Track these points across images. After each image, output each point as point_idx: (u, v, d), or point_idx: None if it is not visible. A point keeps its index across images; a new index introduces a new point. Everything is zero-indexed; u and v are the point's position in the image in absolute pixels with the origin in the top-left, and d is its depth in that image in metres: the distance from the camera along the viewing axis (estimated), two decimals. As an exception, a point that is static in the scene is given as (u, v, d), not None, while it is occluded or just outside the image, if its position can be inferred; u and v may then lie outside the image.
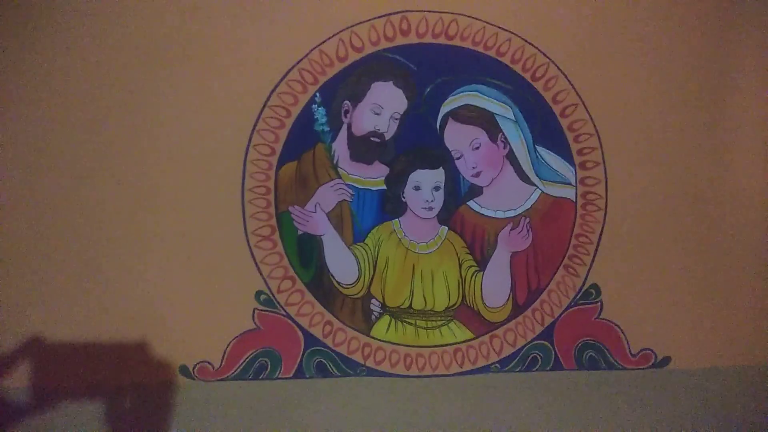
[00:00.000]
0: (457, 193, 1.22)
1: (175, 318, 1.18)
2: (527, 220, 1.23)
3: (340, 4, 1.18)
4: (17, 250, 1.16)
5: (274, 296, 1.20)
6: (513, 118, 1.21)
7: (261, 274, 1.20)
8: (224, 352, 1.19)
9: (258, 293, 1.20)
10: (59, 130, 1.15)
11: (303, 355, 1.21)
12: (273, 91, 1.17)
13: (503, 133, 1.21)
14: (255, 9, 1.17)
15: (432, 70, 1.20)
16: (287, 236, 1.20)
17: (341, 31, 1.18)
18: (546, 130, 1.22)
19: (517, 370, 1.25)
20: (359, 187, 1.21)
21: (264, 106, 1.17)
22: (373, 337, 1.23)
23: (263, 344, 1.20)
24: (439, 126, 1.21)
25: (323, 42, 1.17)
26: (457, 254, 1.24)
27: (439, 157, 1.21)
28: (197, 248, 1.18)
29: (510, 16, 1.20)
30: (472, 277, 1.24)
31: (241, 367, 1.20)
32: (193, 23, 1.17)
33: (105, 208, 1.17)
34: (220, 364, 1.19)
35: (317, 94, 1.18)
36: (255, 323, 1.20)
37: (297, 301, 1.21)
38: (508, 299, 1.24)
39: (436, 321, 1.24)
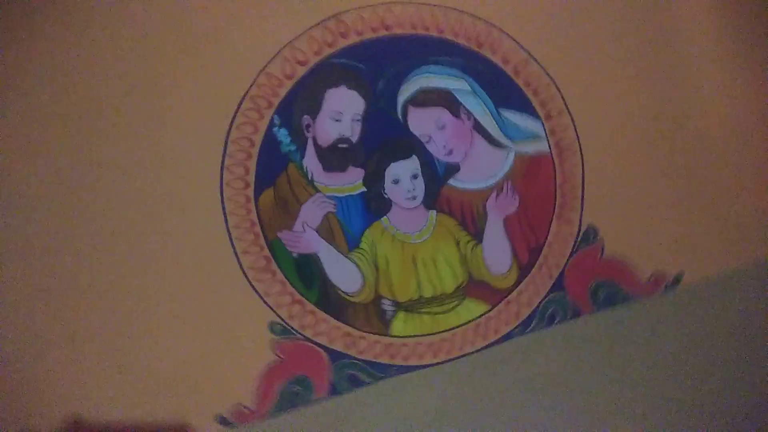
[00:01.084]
0: (436, 176, 1.23)
1: (196, 371, 1.18)
2: (509, 182, 1.24)
3: (273, 23, 1.18)
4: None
5: (287, 324, 1.20)
6: (469, 89, 1.22)
7: (268, 305, 1.19)
8: (255, 391, 1.19)
9: (271, 325, 1.19)
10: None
11: (332, 371, 1.21)
12: (231, 124, 1.17)
13: (464, 107, 1.22)
14: (194, 48, 1.17)
15: (379, 64, 1.20)
16: (284, 262, 1.20)
17: (282, 49, 1.18)
18: (504, 91, 1.23)
19: (540, 328, 1.27)
20: (340, 195, 1.22)
21: (226, 142, 1.17)
22: (394, 336, 1.23)
23: (290, 373, 1.20)
24: (401, 116, 1.22)
25: (267, 64, 1.17)
26: (451, 234, 1.25)
27: (409, 145, 1.21)
28: (199, 300, 1.17)
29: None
30: (472, 252, 1.25)
31: (277, 400, 1.19)
32: (136, 83, 1.16)
33: (99, 284, 1.16)
34: (256, 404, 1.19)
35: (275, 117, 1.18)
36: (277, 355, 1.19)
37: (311, 322, 1.21)
38: (512, 263, 1.25)
39: (450, 303, 1.25)
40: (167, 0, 1.16)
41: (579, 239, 1.27)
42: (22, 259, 1.12)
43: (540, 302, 1.27)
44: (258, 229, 1.19)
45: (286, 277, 1.20)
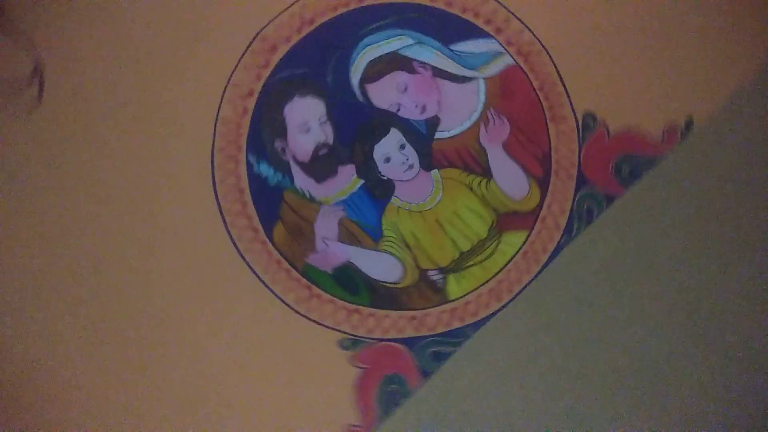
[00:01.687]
0: (422, 137, 1.21)
1: (289, 412, 1.20)
2: (491, 110, 1.22)
3: (208, 75, 1.16)
4: None
5: (354, 335, 1.21)
6: (413, 41, 1.19)
7: (329, 327, 1.20)
8: (355, 407, 1.21)
9: (340, 342, 1.21)
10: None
11: (415, 358, 1.22)
12: (214, 183, 1.17)
13: (416, 60, 1.19)
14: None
15: (319, 59, 1.18)
16: (324, 282, 1.20)
17: (226, 87, 1.16)
18: (446, 27, 1.20)
19: (583, 228, 1.25)
20: (344, 197, 1.21)
21: (218, 201, 1.17)
22: (454, 300, 1.24)
23: (379, 376, 1.21)
24: (363, 97, 1.19)
25: (219, 112, 1.16)
26: (461, 183, 1.23)
27: (383, 122, 1.19)
28: (262, 351, 1.19)
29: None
30: (487, 189, 1.23)
31: (379, 406, 1.21)
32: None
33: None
34: (362, 419, 1.21)
35: (249, 157, 1.17)
36: (359, 366, 1.21)
37: (374, 324, 1.22)
38: (529, 182, 1.24)
39: (490, 246, 1.24)
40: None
41: (581, 130, 1.24)
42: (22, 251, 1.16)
43: (572, 205, 1.25)
44: (286, 265, 1.20)
45: (332, 295, 1.21)
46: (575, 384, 1.22)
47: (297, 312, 1.20)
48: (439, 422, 1.22)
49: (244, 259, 1.18)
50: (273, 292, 1.19)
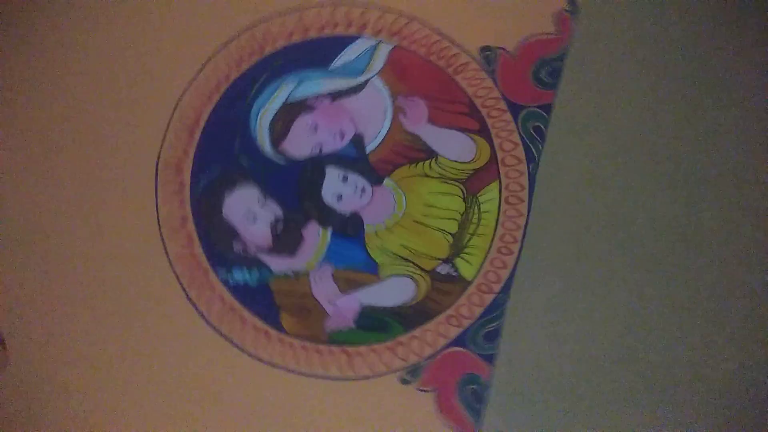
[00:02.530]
0: (356, 159, 1.19)
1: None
2: (399, 98, 1.20)
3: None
4: None
5: (410, 366, 1.19)
6: (295, 83, 1.17)
7: (383, 374, 1.18)
8: (451, 424, 1.19)
9: (401, 380, 1.19)
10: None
11: (473, 349, 1.21)
12: (204, 317, 1.14)
13: (308, 97, 1.17)
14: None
15: (225, 148, 1.14)
16: (354, 338, 1.18)
17: (160, 228, 1.13)
18: (316, 53, 1.17)
19: (543, 147, 1.24)
20: (323, 254, 1.19)
21: (220, 334, 1.14)
22: (473, 279, 1.22)
23: (453, 385, 1.20)
24: (284, 157, 1.17)
25: (166, 250, 1.13)
26: (414, 176, 1.21)
27: (314, 167, 1.16)
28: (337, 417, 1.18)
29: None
30: (439, 166, 1.22)
31: (469, 411, 1.20)
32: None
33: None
34: (462, 428, 1.19)
35: (218, 274, 1.14)
36: (429, 389, 1.19)
37: (421, 344, 1.20)
38: (472, 139, 1.23)
39: (473, 213, 1.22)
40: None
41: (487, 65, 1.23)
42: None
43: (519, 134, 1.24)
44: (309, 344, 1.17)
45: (368, 345, 1.19)
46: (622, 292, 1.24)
47: (348, 379, 1.18)
48: (530, 390, 1.21)
49: (271, 365, 1.16)
50: (323, 377, 1.17)
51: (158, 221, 1.12)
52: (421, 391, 1.20)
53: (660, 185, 1.26)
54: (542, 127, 1.25)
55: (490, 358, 1.22)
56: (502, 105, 1.25)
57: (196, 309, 1.13)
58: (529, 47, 1.24)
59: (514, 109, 1.24)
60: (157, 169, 1.12)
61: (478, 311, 1.22)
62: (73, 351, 1.10)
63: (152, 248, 1.11)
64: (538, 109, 1.25)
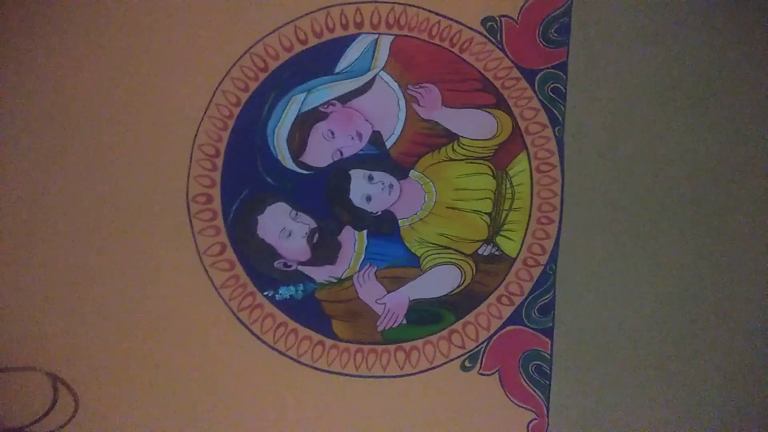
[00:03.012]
0: (378, 157, 1.18)
1: None
2: (410, 87, 1.18)
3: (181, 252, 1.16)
4: None
5: (469, 351, 1.18)
6: (303, 94, 1.17)
7: (448, 362, 1.18)
8: (522, 406, 1.18)
9: (463, 366, 1.18)
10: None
11: (529, 326, 1.19)
12: (267, 343, 1.16)
13: (319, 105, 1.17)
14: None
15: (250, 170, 1.16)
16: (408, 334, 1.18)
17: (202, 260, 1.16)
18: (319, 60, 1.16)
19: (564, 107, 1.20)
20: (363, 256, 1.18)
21: (281, 352, 1.16)
22: (517, 255, 1.20)
23: (515, 365, 1.18)
24: (307, 169, 1.16)
25: (212, 281, 1.16)
26: (439, 162, 1.19)
27: (338, 173, 1.16)
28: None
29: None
30: (462, 148, 1.19)
31: (540, 386, 1.18)
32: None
33: None
34: (535, 407, 1.18)
35: (264, 294, 1.16)
36: (492, 372, 1.18)
37: (476, 328, 1.19)
38: (492, 115, 1.19)
39: (506, 188, 1.19)
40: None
41: (492, 36, 1.19)
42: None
43: (539, 99, 1.20)
44: (365, 346, 1.18)
45: (423, 338, 1.18)
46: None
47: (409, 375, 1.18)
48: (591, 359, 1.18)
49: (331, 372, 1.17)
50: (383, 376, 1.17)
51: (198, 253, 1.14)
52: (484, 375, 1.19)
53: (692, 122, 1.20)
54: (561, 86, 1.21)
55: (548, 332, 1.19)
56: (515, 73, 1.21)
57: (250, 331, 1.16)
58: (532, 8, 1.19)
59: (529, 74, 1.20)
60: (188, 204, 1.14)
61: (528, 286, 1.20)
62: (136, 391, 1.15)
63: (196, 280, 1.14)
64: (553, 70, 1.21)
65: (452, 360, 1.19)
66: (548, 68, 1.20)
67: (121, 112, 1.13)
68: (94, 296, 1.14)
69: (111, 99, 1.13)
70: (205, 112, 1.15)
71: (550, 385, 1.19)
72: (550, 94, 1.20)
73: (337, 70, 1.18)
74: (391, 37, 1.19)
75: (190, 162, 1.15)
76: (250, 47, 1.15)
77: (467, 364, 1.19)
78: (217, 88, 1.15)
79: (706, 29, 1.19)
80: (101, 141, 1.14)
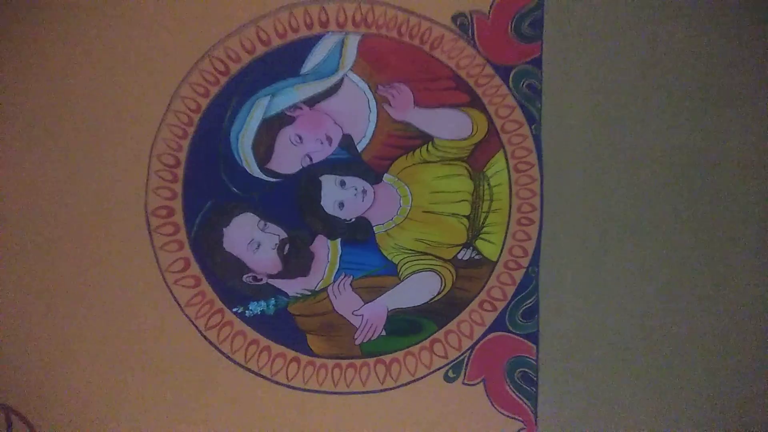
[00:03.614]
0: (350, 161, 1.12)
1: None
2: (380, 87, 1.13)
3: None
4: None
5: (453, 361, 1.13)
6: (268, 98, 1.11)
7: (430, 373, 1.13)
8: (509, 414, 1.13)
9: (446, 377, 1.13)
10: None
11: (513, 331, 1.14)
12: (240, 365, 1.09)
13: (284, 109, 1.11)
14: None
15: (213, 178, 1.10)
16: (388, 345, 1.12)
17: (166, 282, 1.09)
18: (283, 62, 1.10)
19: (539, 103, 1.16)
20: (337, 266, 1.12)
21: (257, 373, 1.10)
22: (498, 259, 1.15)
23: (501, 373, 1.13)
24: (274, 176, 1.10)
25: (179, 303, 1.08)
26: (413, 164, 1.14)
27: (308, 180, 1.10)
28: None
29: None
30: (436, 148, 1.14)
31: (527, 393, 1.13)
32: None
33: None
34: (522, 415, 1.13)
35: (232, 311, 1.10)
36: (476, 382, 1.13)
37: (458, 336, 1.14)
38: (465, 113, 1.15)
39: (484, 189, 1.15)
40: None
41: (464, 32, 1.15)
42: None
43: (514, 95, 1.16)
44: (342, 361, 1.11)
45: (403, 349, 1.13)
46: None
47: (390, 389, 1.12)
48: (578, 363, 1.14)
49: (307, 390, 1.10)
50: (364, 392, 1.11)
51: (160, 270, 1.07)
52: (469, 385, 1.13)
53: (673, 114, 1.17)
54: (536, 83, 1.17)
55: (533, 337, 1.15)
56: (489, 70, 1.17)
57: (219, 351, 1.09)
58: (503, 3, 1.14)
59: (503, 71, 1.16)
60: (147, 218, 1.07)
61: (510, 290, 1.15)
62: (99, 422, 1.07)
63: (160, 299, 1.07)
64: (528, 65, 1.17)
65: (435, 371, 1.13)
66: (523, 64, 1.16)
67: (67, 121, 1.06)
68: (49, 322, 1.06)
69: (54, 106, 1.06)
70: (162, 120, 1.08)
71: (537, 392, 1.14)
72: (526, 90, 1.16)
73: (302, 71, 1.12)
74: (359, 36, 1.14)
75: (148, 173, 1.07)
76: (209, 50, 1.09)
77: (451, 374, 1.13)
78: (174, 94, 1.08)
79: (685, 16, 1.17)
80: (49, 154, 1.06)
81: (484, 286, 1.15)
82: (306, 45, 1.12)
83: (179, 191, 1.09)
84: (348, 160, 1.13)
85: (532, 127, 1.16)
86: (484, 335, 1.14)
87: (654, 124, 1.17)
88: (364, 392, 1.12)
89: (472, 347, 1.14)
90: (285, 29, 1.11)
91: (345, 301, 1.12)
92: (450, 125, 1.15)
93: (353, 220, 1.13)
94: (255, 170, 1.11)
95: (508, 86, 1.16)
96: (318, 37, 1.12)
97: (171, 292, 1.08)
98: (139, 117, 1.07)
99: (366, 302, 1.13)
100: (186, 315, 1.08)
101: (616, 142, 1.17)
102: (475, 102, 1.16)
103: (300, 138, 1.11)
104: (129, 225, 1.07)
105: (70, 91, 1.07)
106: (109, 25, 1.07)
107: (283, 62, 1.11)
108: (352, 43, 1.14)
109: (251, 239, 1.09)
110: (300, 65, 1.12)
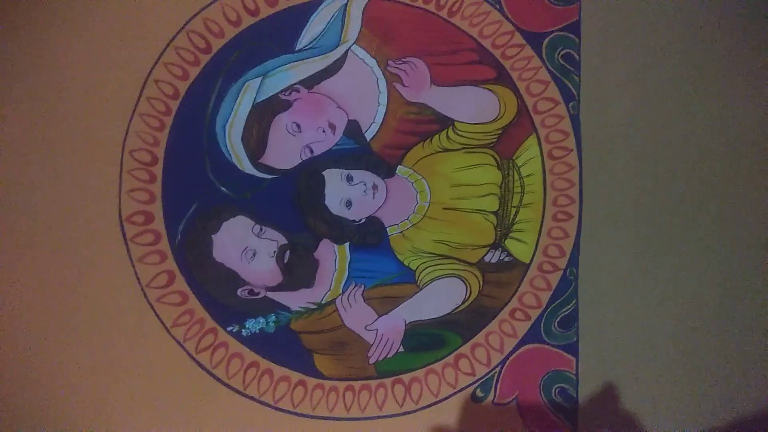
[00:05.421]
0: (357, 151, 0.97)
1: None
2: (390, 63, 0.97)
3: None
4: None
5: (480, 379, 0.99)
6: (258, 79, 0.94)
7: (456, 392, 0.99)
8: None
9: (474, 397, 0.99)
10: None
11: (549, 342, 1.00)
12: (241, 393, 0.96)
13: (279, 92, 0.95)
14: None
15: (198, 178, 0.94)
16: (406, 363, 0.98)
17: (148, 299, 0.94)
18: (276, 35, 0.95)
19: (578, 76, 0.99)
20: (346, 275, 0.98)
21: (259, 401, 0.96)
22: (531, 261, 1.00)
23: (535, 390, 1.00)
24: (269, 172, 0.96)
25: (160, 318, 0.94)
26: (432, 153, 0.99)
27: (310, 175, 0.95)
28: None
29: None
30: (458, 134, 0.99)
31: (565, 412, 1.00)
32: None
33: None
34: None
35: (230, 329, 0.95)
36: (508, 401, 1.00)
37: (486, 351, 1.00)
38: (491, 91, 0.98)
39: (514, 179, 0.99)
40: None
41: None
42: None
43: (547, 69, 0.99)
44: (355, 382, 0.98)
45: (424, 367, 0.99)
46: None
47: (411, 412, 0.98)
48: (623, 376, 1.00)
49: (316, 417, 0.97)
50: (380, 417, 0.98)
51: (140, 286, 0.92)
52: (500, 405, 1.00)
53: (727, 88, 1.00)
54: (573, 53, 1.00)
55: (572, 348, 1.01)
56: (518, 39, 1.00)
57: (213, 376, 0.95)
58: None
59: (534, 39, 0.99)
60: (122, 226, 0.92)
61: (545, 296, 1.01)
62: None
63: (140, 318, 0.92)
64: (563, 32, 1.00)
65: (461, 390, 1.00)
66: (558, 31, 1.00)
67: (20, 113, 0.89)
68: (14, 356, 0.91)
69: (6, 95, 0.89)
70: (134, 110, 0.91)
71: (577, 410, 1.01)
72: (562, 62, 1.00)
73: (298, 46, 0.96)
74: (364, 2, 0.97)
75: (120, 173, 0.91)
76: (186, 23, 0.92)
77: (479, 393, 1.00)
78: (147, 78, 0.91)
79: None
80: (9, 153, 0.90)
81: (515, 293, 1.01)
82: (301, 14, 0.96)
83: (158, 193, 0.93)
84: (355, 151, 0.98)
85: (570, 105, 1.00)
86: (516, 348, 1.01)
87: (712, 103, 1.00)
88: (380, 417, 0.99)
89: (502, 362, 1.00)
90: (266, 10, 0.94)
91: (356, 315, 0.98)
92: (473, 106, 0.99)
93: (363, 220, 0.98)
94: (246, 166, 0.95)
95: (542, 58, 1.00)
96: (316, 4, 0.96)
97: (154, 311, 0.93)
98: (107, 106, 0.91)
99: (380, 315, 0.98)
100: (173, 337, 0.94)
101: (667, 123, 1.00)
102: (502, 77, 1.00)
103: (298, 126, 0.95)
104: (100, 235, 0.92)
105: (23, 76, 0.90)
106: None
107: (275, 36, 0.95)
108: (356, 9, 0.97)
109: (245, 247, 0.94)
110: (295, 39, 0.96)
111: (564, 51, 1.00)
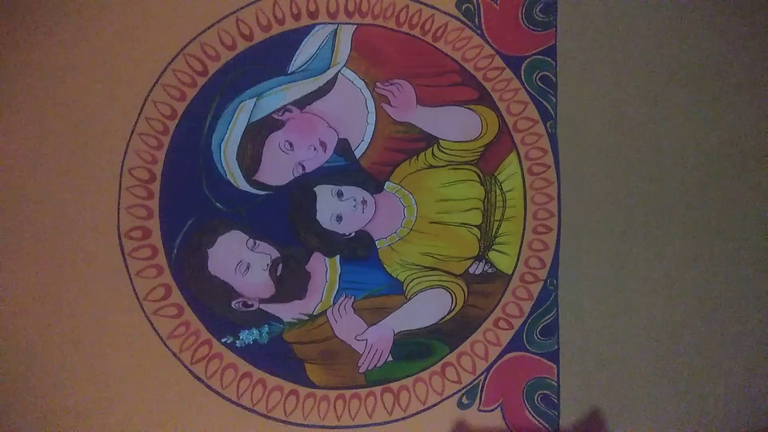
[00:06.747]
0: (347, 168, 1.01)
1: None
2: (378, 85, 1.01)
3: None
4: None
5: (467, 386, 1.03)
6: (252, 100, 0.98)
7: (443, 400, 1.02)
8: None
9: (460, 404, 1.02)
10: None
11: (531, 350, 1.04)
12: (233, 400, 0.98)
13: (272, 112, 0.99)
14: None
15: (195, 193, 0.98)
16: (395, 372, 1.01)
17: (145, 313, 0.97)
18: (269, 58, 0.99)
19: (555, 97, 1.04)
20: (337, 287, 1.01)
21: (249, 409, 0.98)
22: (513, 272, 1.04)
23: (519, 397, 1.03)
24: (263, 188, 0.99)
25: (157, 332, 0.97)
26: (418, 169, 1.03)
27: (302, 191, 0.99)
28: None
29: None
30: (443, 152, 1.03)
31: (548, 418, 1.04)
32: None
33: None
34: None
35: (223, 340, 0.98)
36: (492, 408, 1.03)
37: (471, 359, 1.03)
38: (474, 111, 1.04)
39: (496, 194, 1.04)
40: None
41: (469, 21, 1.03)
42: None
43: (525, 89, 1.05)
44: (346, 391, 1.01)
45: (412, 375, 1.02)
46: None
47: (400, 419, 1.01)
48: (603, 382, 1.04)
49: (308, 426, 1.00)
50: (370, 424, 1.01)
51: (137, 298, 0.95)
52: (485, 411, 1.03)
53: (698, 107, 1.06)
54: (550, 75, 1.05)
55: (553, 356, 1.04)
56: (498, 62, 1.05)
57: (208, 386, 0.97)
58: (515, -8, 1.03)
59: (514, 62, 1.05)
60: (120, 241, 0.95)
61: (528, 306, 1.05)
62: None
63: (138, 330, 0.95)
64: (540, 56, 1.05)
65: (448, 398, 1.03)
66: (535, 54, 1.05)
67: (25, 129, 0.92)
68: (16, 363, 0.93)
69: (8, 114, 0.92)
70: (133, 129, 0.95)
71: (559, 415, 1.05)
72: (539, 84, 1.05)
73: (290, 69, 1.00)
74: (353, 27, 1.02)
75: (120, 190, 0.95)
76: (184, 47, 0.96)
77: (465, 400, 1.03)
78: (146, 99, 0.95)
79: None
80: (11, 169, 0.93)
81: (498, 303, 1.04)
82: (294, 39, 1.00)
83: (155, 209, 0.96)
84: (345, 168, 1.02)
85: (548, 124, 1.05)
86: (500, 356, 1.04)
87: (681, 118, 1.06)
88: (370, 425, 1.01)
89: (487, 370, 1.04)
90: (269, 21, 0.99)
91: (347, 325, 1.01)
92: (457, 125, 1.04)
93: (353, 234, 1.01)
94: (241, 183, 0.99)
95: (520, 79, 1.05)
96: (307, 30, 1.00)
97: (151, 323, 0.96)
98: (107, 126, 0.94)
99: (370, 325, 1.02)
100: (169, 348, 0.96)
101: (640, 139, 1.06)
102: (483, 98, 1.04)
103: (290, 144, 0.99)
104: (100, 249, 0.94)
105: (24, 94, 0.93)
106: (69, 20, 0.93)
107: (269, 59, 0.99)
108: (346, 35, 1.02)
109: (239, 260, 0.98)
110: (288, 62, 1.00)
111: (541, 73, 1.05)
